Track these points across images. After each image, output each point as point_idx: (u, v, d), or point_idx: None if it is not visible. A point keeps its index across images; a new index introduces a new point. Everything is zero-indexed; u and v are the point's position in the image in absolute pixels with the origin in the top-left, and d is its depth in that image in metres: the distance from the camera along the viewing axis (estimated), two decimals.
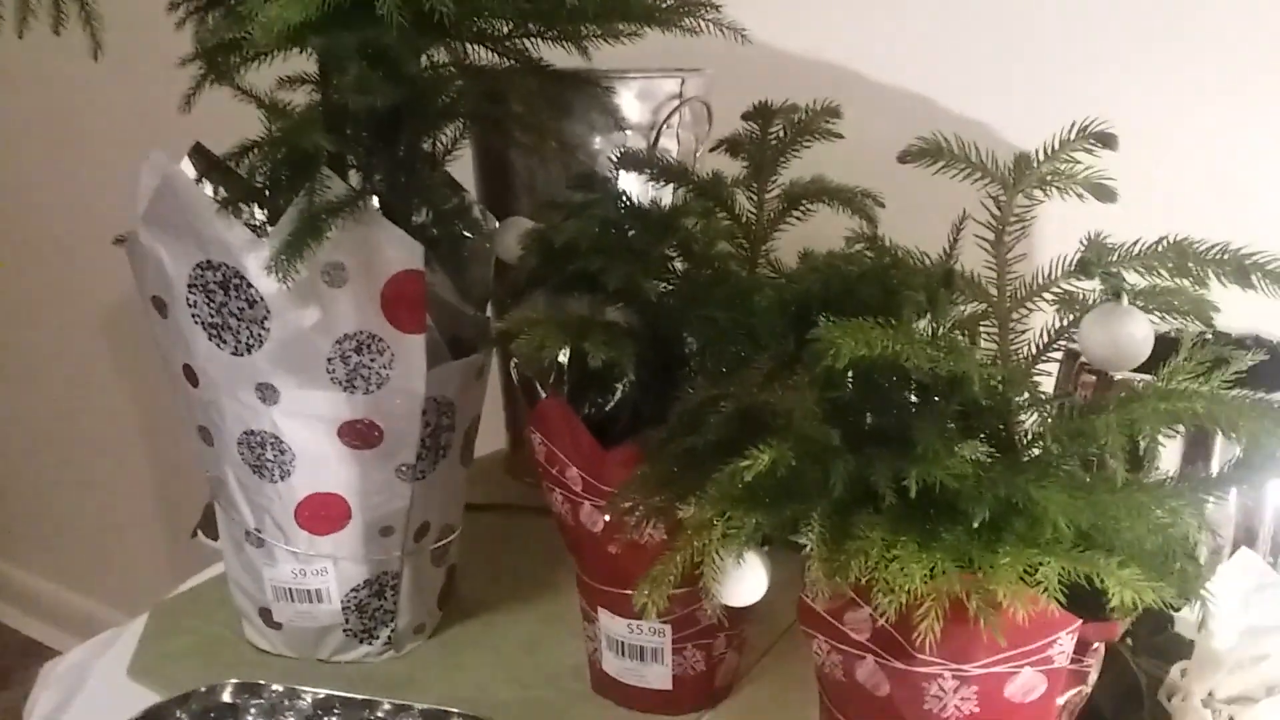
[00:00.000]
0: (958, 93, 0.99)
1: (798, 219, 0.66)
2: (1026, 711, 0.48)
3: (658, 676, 0.68)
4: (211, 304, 0.65)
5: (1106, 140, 0.48)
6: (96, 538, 1.98)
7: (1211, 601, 0.51)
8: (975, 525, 0.43)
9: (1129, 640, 0.64)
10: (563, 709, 0.70)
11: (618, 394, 0.69)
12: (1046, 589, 0.42)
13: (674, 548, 0.51)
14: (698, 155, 0.96)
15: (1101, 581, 0.42)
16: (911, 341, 0.45)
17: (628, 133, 0.92)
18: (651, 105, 0.91)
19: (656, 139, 0.92)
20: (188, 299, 0.66)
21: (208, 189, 0.71)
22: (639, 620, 0.67)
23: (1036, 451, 0.49)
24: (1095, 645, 0.50)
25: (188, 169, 0.72)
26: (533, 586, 0.85)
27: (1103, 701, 0.61)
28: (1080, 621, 0.46)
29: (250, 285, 0.64)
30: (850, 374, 0.50)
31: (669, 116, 0.91)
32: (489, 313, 0.78)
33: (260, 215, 0.71)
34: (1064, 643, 0.47)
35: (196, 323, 0.66)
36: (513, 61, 0.71)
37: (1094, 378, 0.63)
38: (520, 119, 0.81)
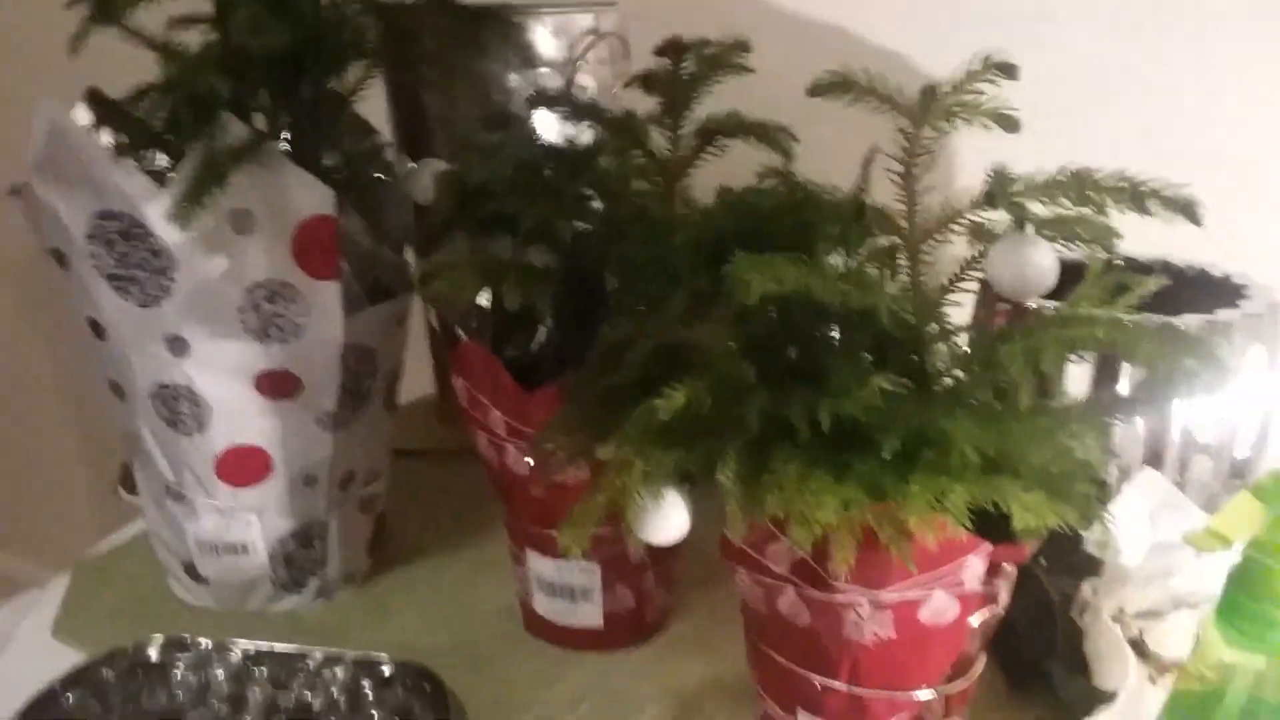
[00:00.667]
0: (872, 24, 0.98)
1: (713, 155, 0.66)
2: (941, 633, 0.50)
3: (588, 615, 0.69)
4: (113, 254, 0.63)
5: (1008, 70, 0.48)
6: (16, 492, 1.94)
7: (1113, 522, 0.53)
8: (886, 456, 0.44)
9: (1042, 560, 0.66)
10: (495, 650, 0.71)
11: (540, 336, 0.69)
12: (954, 515, 0.43)
13: (595, 487, 0.52)
14: (614, 91, 0.95)
15: (1007, 506, 0.43)
16: (821, 276, 0.45)
17: (543, 70, 0.90)
18: (566, 41, 0.90)
19: (572, 75, 0.90)
20: (88, 250, 0.63)
21: (106, 136, 0.69)
22: (567, 560, 0.67)
23: (949, 382, 0.50)
24: (1005, 567, 0.51)
25: (82, 115, 0.69)
26: (463, 531, 0.85)
27: (1017, 619, 0.63)
28: (988, 544, 0.47)
29: (152, 235, 0.62)
30: (768, 310, 0.50)
31: (584, 52, 0.90)
32: (408, 256, 0.77)
33: (164, 161, 0.68)
34: (973, 565, 0.48)
35: (99, 275, 0.64)
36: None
37: (1009, 306, 0.64)
38: (431, 57, 0.79)
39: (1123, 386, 0.63)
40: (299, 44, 0.58)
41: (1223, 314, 0.66)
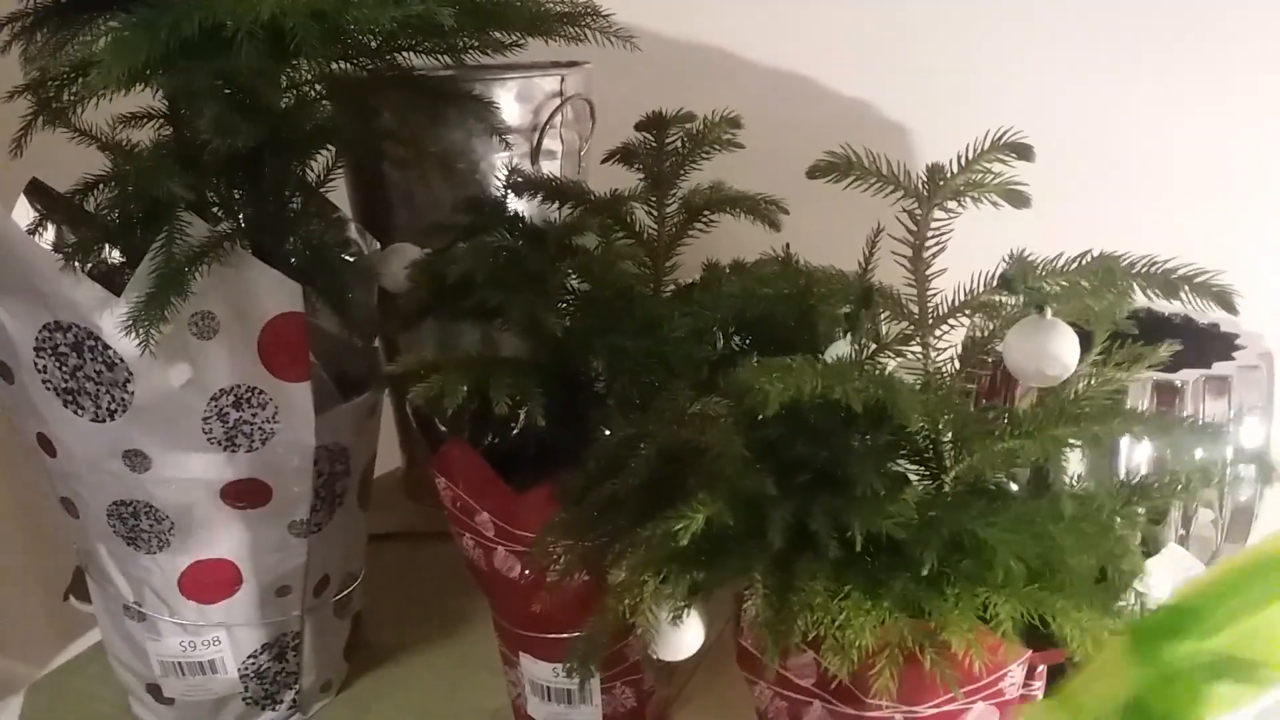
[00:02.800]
0: (847, 80, 0.97)
1: (700, 230, 0.63)
2: None
3: (587, 718, 0.65)
4: (64, 368, 0.58)
5: (1022, 152, 0.46)
6: None
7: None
8: (924, 573, 0.41)
9: None
10: None
11: (520, 424, 0.65)
12: (1002, 633, 0.40)
13: (602, 608, 0.48)
14: (582, 154, 0.92)
15: (1056, 622, 0.40)
16: (842, 379, 0.42)
17: (508, 138, 0.87)
18: (531, 106, 0.87)
19: (539, 142, 0.88)
20: (35, 364, 0.59)
21: (49, 233, 0.64)
22: (564, 663, 0.64)
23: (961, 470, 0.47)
24: (1040, 668, 0.49)
25: (24, 211, 0.65)
26: (443, 622, 0.81)
27: None
28: (1030, 652, 0.45)
29: (107, 347, 0.57)
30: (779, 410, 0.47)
31: (550, 117, 0.87)
32: (376, 344, 0.73)
33: (116, 256, 0.64)
34: (1015, 674, 0.45)
35: (49, 389, 0.59)
36: (378, 72, 0.66)
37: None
38: (393, 134, 0.76)
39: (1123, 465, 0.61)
40: (262, 138, 0.54)
41: (1219, 367, 0.65)
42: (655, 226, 0.62)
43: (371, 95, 0.68)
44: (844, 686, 0.46)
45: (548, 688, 0.65)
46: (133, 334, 0.54)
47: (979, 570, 0.42)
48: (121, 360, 0.57)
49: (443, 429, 0.65)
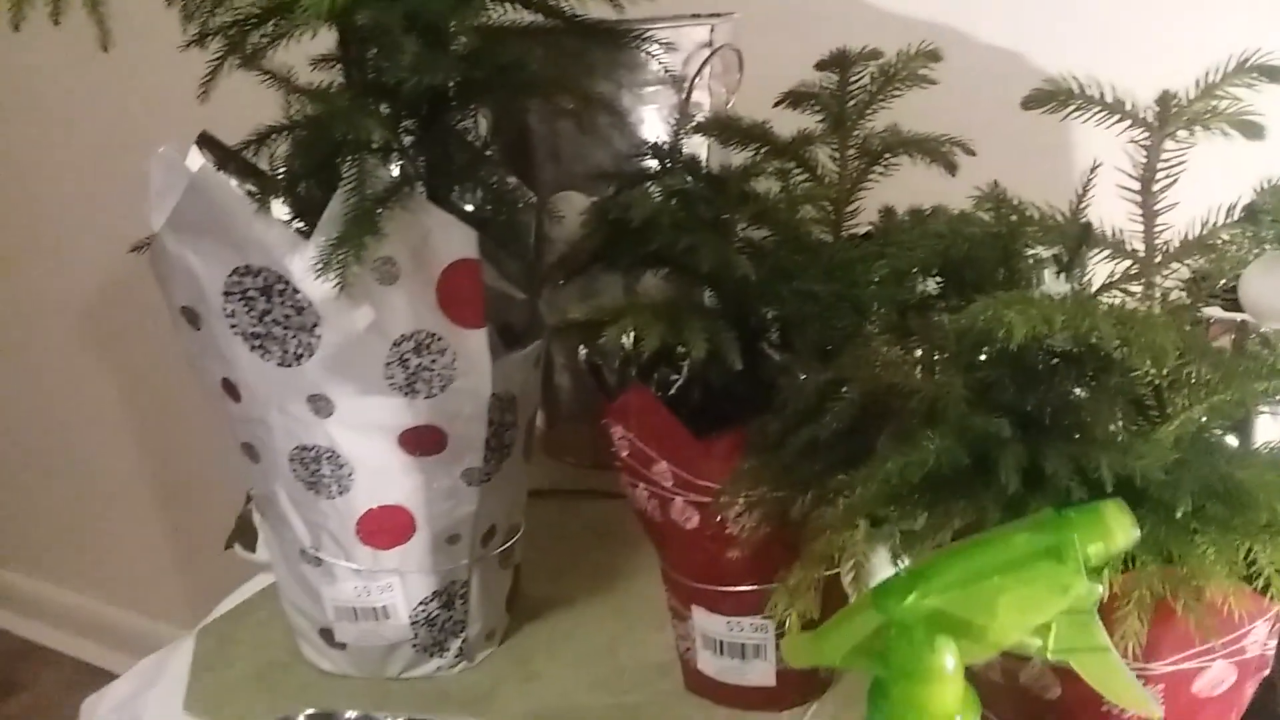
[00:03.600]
0: (999, 29, 0.93)
1: (880, 174, 0.61)
2: (1213, 706, 0.45)
3: (760, 673, 0.64)
4: (252, 312, 0.59)
5: (1273, 74, 0.43)
6: (90, 536, 1.92)
7: None
8: (1177, 516, 0.39)
9: None
10: (658, 712, 0.66)
11: (685, 372, 0.64)
12: (1267, 583, 0.38)
13: (811, 550, 0.47)
14: (730, 107, 0.91)
15: None
16: (1090, 313, 0.40)
17: (657, 88, 0.86)
18: (680, 56, 0.85)
19: (689, 92, 0.86)
20: (224, 308, 0.59)
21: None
22: (740, 617, 0.63)
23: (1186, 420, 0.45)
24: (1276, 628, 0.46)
25: (196, 163, 0.66)
26: (597, 578, 0.81)
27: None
28: (1278, 607, 0.42)
29: (296, 290, 0.58)
30: (1001, 354, 0.45)
31: (701, 68, 0.85)
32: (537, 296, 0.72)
33: (283, 211, 0.64)
34: (1259, 631, 0.43)
35: (236, 334, 0.60)
36: (548, 19, 0.65)
37: None
38: (542, 82, 0.74)
39: None
40: (455, 77, 0.54)
41: None
42: (837, 170, 0.60)
43: (519, 41, 0.67)
44: None
45: (721, 642, 0.64)
46: (326, 274, 0.54)
47: (1232, 516, 0.40)
48: (310, 304, 0.58)
49: (612, 380, 0.65)
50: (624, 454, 0.62)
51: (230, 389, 0.63)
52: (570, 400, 1.02)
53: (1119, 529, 0.36)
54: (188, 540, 1.77)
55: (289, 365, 0.60)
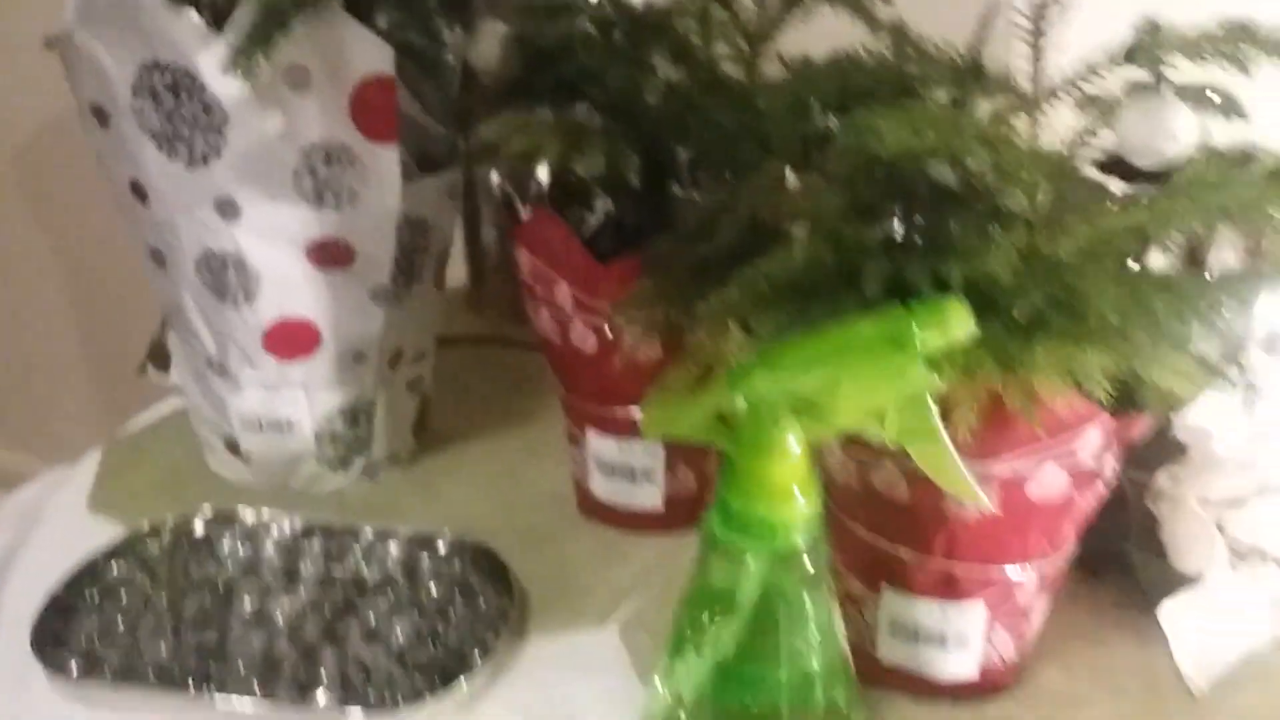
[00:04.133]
0: None
1: (800, 21, 0.62)
2: (1046, 508, 0.48)
3: (649, 496, 0.68)
4: (160, 110, 0.59)
5: None
6: (14, 386, 1.90)
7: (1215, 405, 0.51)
8: (1017, 316, 0.42)
9: None
10: (551, 531, 0.69)
11: (598, 210, 0.66)
12: (1090, 382, 0.41)
13: (683, 358, 0.50)
14: None
15: (1149, 373, 0.41)
16: (961, 133, 0.42)
17: None
18: None
19: None
20: (133, 105, 0.60)
21: None
22: (631, 439, 0.66)
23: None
24: (1112, 444, 0.49)
25: None
26: (506, 417, 0.83)
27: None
28: (1107, 415, 0.46)
29: (205, 88, 0.58)
30: (876, 173, 0.47)
31: None
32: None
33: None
34: (1089, 438, 0.46)
35: (144, 132, 0.60)
36: None
37: None
38: None
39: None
40: None
41: None
42: (756, 7, 0.61)
43: None
44: None
45: (612, 464, 0.67)
46: (234, 71, 0.54)
47: (1074, 328, 0.43)
48: (219, 103, 0.58)
49: (524, 210, 0.66)
50: (527, 277, 0.64)
51: (138, 191, 0.63)
52: (496, 257, 1.03)
53: (956, 321, 0.39)
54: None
55: (196, 166, 0.60)
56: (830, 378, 0.40)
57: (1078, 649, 0.59)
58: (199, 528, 0.67)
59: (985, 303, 0.43)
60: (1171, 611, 0.58)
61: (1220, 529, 0.60)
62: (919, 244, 0.45)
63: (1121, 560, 0.63)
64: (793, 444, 0.41)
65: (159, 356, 0.79)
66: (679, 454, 0.66)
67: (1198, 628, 0.58)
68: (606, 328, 0.60)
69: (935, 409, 0.40)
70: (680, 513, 0.68)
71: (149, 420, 0.83)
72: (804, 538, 0.43)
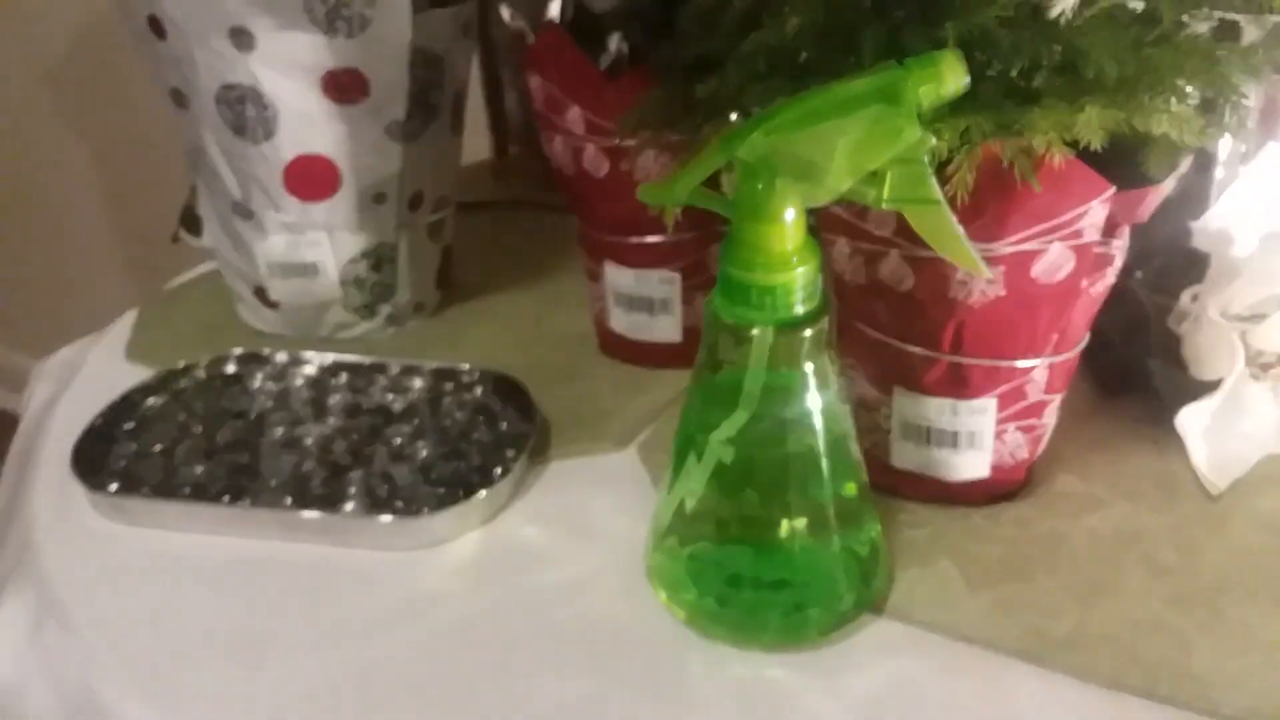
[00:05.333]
0: None
1: None
2: (1053, 292, 0.48)
3: (668, 328, 0.68)
4: None
5: None
6: (51, 295, 1.95)
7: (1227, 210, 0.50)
8: (1014, 75, 0.41)
9: (1138, 273, 0.64)
10: (573, 368, 0.70)
11: (613, 49, 0.65)
12: (1088, 134, 0.40)
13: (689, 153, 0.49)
14: None
15: (1148, 126, 0.40)
16: None
17: None
18: None
19: None
20: None
21: None
22: (647, 269, 0.66)
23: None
24: (1122, 227, 0.49)
25: None
26: (531, 271, 0.84)
27: (1110, 332, 0.62)
28: (1112, 188, 0.45)
29: None
30: None
31: None
32: None
33: None
34: (1095, 213, 0.46)
35: None
36: None
37: None
38: None
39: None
40: None
41: None
42: None
43: None
44: None
45: (630, 296, 0.67)
46: None
47: (1073, 88, 0.42)
48: None
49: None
50: (539, 103, 0.64)
51: (156, 26, 0.64)
52: (519, 127, 1.04)
53: (950, 73, 0.38)
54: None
55: None
56: (825, 137, 0.40)
57: (1094, 459, 0.59)
58: (231, 366, 0.69)
59: (983, 65, 0.43)
60: (1189, 415, 0.57)
61: (1243, 342, 0.59)
62: (916, 6, 0.44)
63: (1142, 378, 0.62)
64: (788, 208, 0.41)
65: (191, 221, 0.80)
66: (696, 284, 0.66)
67: (1216, 430, 0.57)
68: (617, 144, 0.60)
69: (931, 169, 0.40)
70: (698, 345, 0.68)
71: (182, 280, 0.85)
72: (805, 306, 0.43)
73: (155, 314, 0.79)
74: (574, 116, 0.62)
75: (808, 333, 0.44)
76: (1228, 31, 0.46)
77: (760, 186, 0.41)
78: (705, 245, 0.65)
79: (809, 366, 0.45)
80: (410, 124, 0.68)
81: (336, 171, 0.68)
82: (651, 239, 0.64)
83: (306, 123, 0.65)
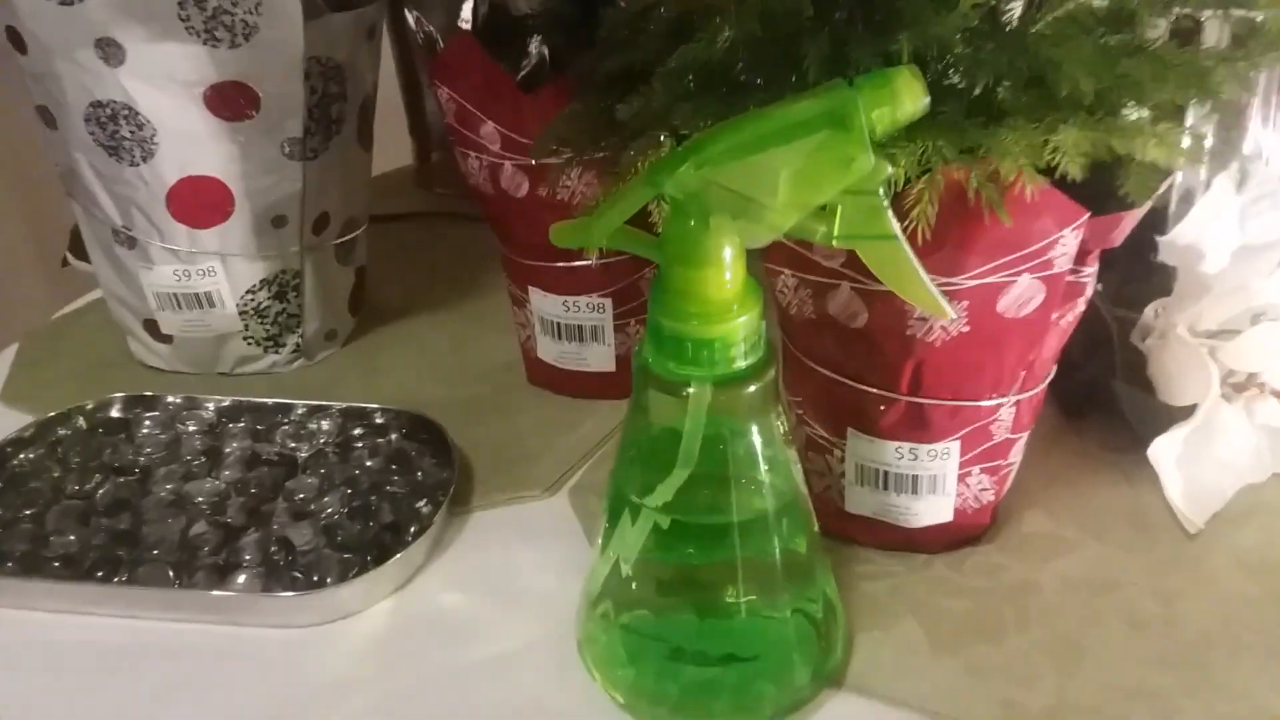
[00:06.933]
0: None
1: None
2: (1020, 328, 0.43)
3: (599, 357, 0.63)
4: None
5: None
6: None
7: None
8: (978, 92, 0.36)
9: (1097, 286, 0.60)
10: (498, 404, 0.64)
11: (533, 55, 0.59)
12: (1067, 162, 0.35)
13: (615, 174, 0.44)
14: None
15: (1128, 146, 0.35)
16: None
17: None
18: None
19: None
20: None
21: None
22: (575, 296, 0.60)
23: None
24: (1093, 254, 0.44)
25: None
26: (453, 290, 0.78)
27: (1072, 349, 0.57)
28: (1087, 214, 0.40)
29: None
30: None
31: None
32: None
33: None
34: (1067, 241, 0.41)
35: None
36: None
37: None
38: None
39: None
40: None
41: None
42: None
43: None
44: None
45: (558, 324, 0.62)
46: None
47: (1035, 100, 0.37)
48: None
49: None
50: (451, 119, 0.58)
51: (15, 38, 0.57)
52: (440, 132, 0.97)
53: (907, 94, 0.33)
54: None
55: (69, 2, 0.54)
56: (765, 168, 0.34)
57: (1061, 494, 0.55)
58: (116, 410, 0.62)
59: (941, 82, 0.38)
60: (1162, 447, 0.53)
61: (1213, 360, 0.55)
62: (863, 16, 0.39)
63: (1106, 400, 0.58)
64: (725, 248, 0.36)
65: (79, 245, 0.73)
66: (629, 310, 0.61)
67: (1191, 463, 0.53)
68: (534, 164, 0.54)
69: (887, 201, 0.35)
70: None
71: (72, 309, 0.78)
72: (748, 359, 0.38)
73: (38, 349, 0.72)
74: (489, 132, 0.56)
75: (752, 388, 0.39)
76: (1188, 35, 0.42)
77: (692, 225, 0.36)
78: (639, 268, 0.59)
79: (753, 426, 0.40)
80: (310, 140, 0.61)
81: (229, 194, 0.61)
82: (580, 263, 0.59)
83: (190, 142, 0.59)
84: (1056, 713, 0.43)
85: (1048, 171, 0.37)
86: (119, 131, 0.58)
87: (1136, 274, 0.59)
